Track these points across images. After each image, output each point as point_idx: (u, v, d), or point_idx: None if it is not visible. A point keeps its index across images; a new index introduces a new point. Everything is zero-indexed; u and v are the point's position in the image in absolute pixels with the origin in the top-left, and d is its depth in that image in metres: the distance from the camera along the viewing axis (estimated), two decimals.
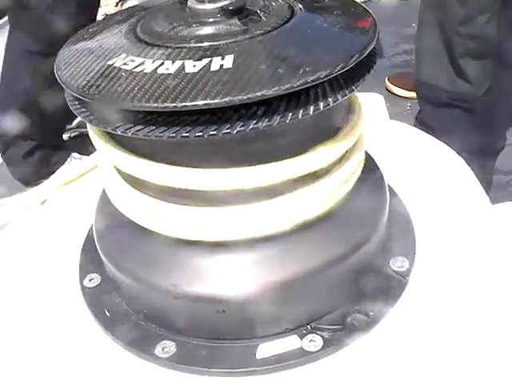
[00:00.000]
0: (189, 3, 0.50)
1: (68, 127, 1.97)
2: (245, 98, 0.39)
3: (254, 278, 0.49)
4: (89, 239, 0.63)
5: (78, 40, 0.52)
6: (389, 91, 2.45)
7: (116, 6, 3.65)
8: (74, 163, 1.99)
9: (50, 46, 1.81)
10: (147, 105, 0.40)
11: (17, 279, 0.63)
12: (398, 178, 0.66)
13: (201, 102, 0.39)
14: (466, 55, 1.53)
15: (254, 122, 0.41)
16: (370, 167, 0.57)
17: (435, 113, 1.67)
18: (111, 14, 0.58)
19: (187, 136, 0.41)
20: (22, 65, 1.84)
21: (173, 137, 0.41)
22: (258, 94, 0.39)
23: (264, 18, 0.47)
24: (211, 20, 0.47)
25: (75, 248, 0.64)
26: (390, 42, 2.88)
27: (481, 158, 1.65)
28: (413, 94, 2.08)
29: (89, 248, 0.62)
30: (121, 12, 0.58)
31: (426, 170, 0.70)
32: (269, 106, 0.41)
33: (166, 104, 0.40)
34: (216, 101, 0.39)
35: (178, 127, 0.41)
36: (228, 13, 0.47)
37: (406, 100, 2.38)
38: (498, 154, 1.70)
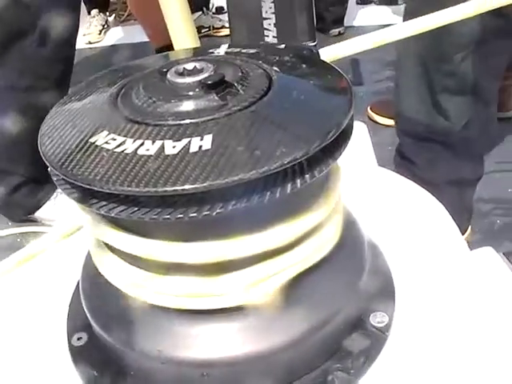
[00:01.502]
0: (168, 76, 0.51)
1: None
2: (223, 182, 0.40)
3: (235, 345, 0.50)
4: (76, 296, 0.64)
5: (60, 110, 0.53)
6: (371, 119, 2.48)
7: (99, 34, 3.68)
8: (60, 198, 2.00)
9: (35, 80, 1.83)
10: (129, 189, 0.41)
11: (5, 337, 0.64)
12: (379, 229, 0.68)
13: (179, 188, 0.40)
14: (444, 91, 1.56)
15: (233, 203, 0.42)
16: (350, 225, 0.58)
17: (414, 146, 1.70)
18: (92, 79, 0.59)
19: (168, 218, 0.42)
20: (7, 100, 1.85)
21: (155, 218, 0.42)
22: (236, 178, 0.40)
23: (242, 92, 0.48)
24: (190, 94, 0.48)
25: (64, 305, 0.65)
26: (371, 69, 2.92)
27: (460, 188, 1.68)
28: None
29: (76, 305, 0.63)
30: (102, 77, 0.58)
31: (407, 220, 0.72)
32: (247, 186, 0.42)
33: (147, 189, 0.41)
34: (195, 186, 0.40)
35: (160, 209, 0.43)
36: (206, 87, 0.48)
37: (388, 128, 2.40)
38: (477, 183, 1.72)
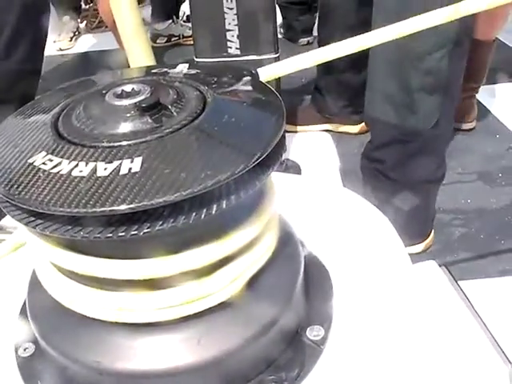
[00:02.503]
0: (106, 98, 0.53)
1: None
2: (148, 204, 0.42)
3: (172, 357, 0.52)
4: (24, 307, 0.65)
5: (5, 129, 0.55)
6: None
7: (70, 40, 3.68)
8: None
9: (4, 93, 1.83)
10: (61, 209, 0.43)
11: None
12: (323, 243, 0.70)
13: (108, 209, 0.43)
14: (420, 90, 1.59)
15: (160, 223, 0.44)
16: (286, 239, 0.60)
17: (384, 148, 1.73)
18: (39, 98, 0.61)
19: (99, 237, 0.44)
20: None
21: (86, 237, 0.44)
22: (161, 200, 0.42)
23: (175, 114, 0.50)
24: (126, 116, 0.50)
25: (14, 315, 0.66)
26: None
27: (427, 187, 1.71)
28: (358, 130, 2.14)
29: (24, 315, 0.64)
30: (48, 96, 0.60)
31: (351, 234, 0.73)
32: (174, 208, 0.44)
33: (77, 209, 0.43)
34: (122, 207, 0.42)
35: (91, 228, 0.45)
36: (141, 109, 0.50)
37: (350, 136, 2.43)
38: (441, 182, 1.76)
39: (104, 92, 0.54)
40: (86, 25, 4.11)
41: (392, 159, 1.75)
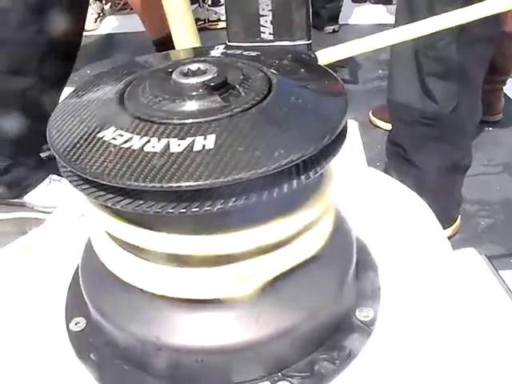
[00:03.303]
0: (173, 76, 0.53)
1: (47, 146, 1.97)
2: (224, 180, 0.43)
3: (228, 334, 0.53)
4: (74, 282, 0.66)
5: (68, 104, 0.56)
6: (372, 123, 2.50)
7: (95, 22, 3.68)
8: (53, 185, 2.00)
9: (19, 64, 1.83)
10: (135, 184, 0.44)
11: (3, 323, 0.65)
12: (367, 228, 0.70)
13: (184, 184, 0.43)
14: (432, 75, 1.62)
15: (233, 199, 0.45)
16: (340, 223, 0.61)
17: (406, 130, 1.75)
18: (98, 74, 0.61)
19: (172, 212, 0.45)
20: None
21: (159, 212, 0.45)
22: (236, 177, 0.43)
23: (243, 94, 0.51)
24: (194, 94, 0.51)
25: (62, 291, 0.67)
26: (364, 68, 2.95)
27: (451, 174, 1.72)
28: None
29: (74, 291, 0.65)
30: (107, 73, 0.61)
31: (393, 220, 0.74)
32: (247, 185, 0.45)
33: (152, 184, 0.44)
34: (198, 183, 0.43)
35: (164, 203, 0.45)
36: (210, 88, 0.50)
37: (377, 129, 2.43)
38: (466, 172, 1.76)
39: (170, 70, 0.54)
40: (110, 7, 4.11)
41: (413, 144, 1.77)
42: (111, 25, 3.96)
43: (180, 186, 0.43)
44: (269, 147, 0.45)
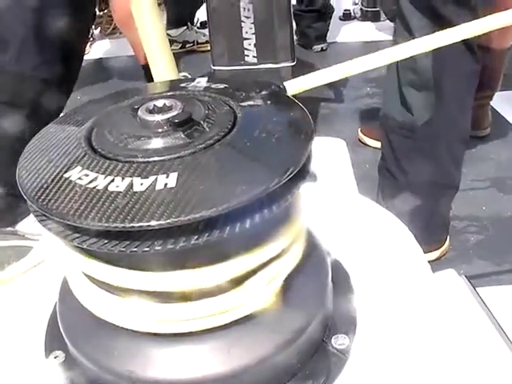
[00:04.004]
0: (139, 113, 0.54)
1: None
2: (185, 219, 0.44)
3: (203, 366, 0.54)
4: (54, 315, 0.66)
5: (38, 144, 0.56)
6: (361, 141, 2.52)
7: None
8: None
9: (13, 97, 1.84)
10: (99, 224, 0.45)
11: None
12: (345, 252, 0.71)
13: (145, 224, 0.44)
14: (409, 86, 1.67)
15: (196, 237, 0.45)
16: (313, 248, 0.62)
17: (387, 142, 1.76)
18: (70, 112, 0.62)
19: (135, 251, 0.45)
20: None
21: (123, 251, 0.46)
22: (197, 215, 0.44)
23: (207, 129, 0.52)
24: (159, 131, 0.51)
25: (42, 324, 0.67)
26: (353, 85, 2.96)
27: (432, 193, 1.72)
28: None
29: (53, 325, 0.65)
30: (79, 110, 0.61)
31: (373, 243, 0.75)
32: (208, 222, 0.45)
33: (115, 224, 0.44)
34: (159, 222, 0.44)
35: (128, 242, 0.46)
36: (174, 125, 0.51)
37: (366, 147, 2.45)
38: (453, 192, 1.76)
39: (136, 107, 0.55)
40: (100, 31, 4.13)
41: (393, 155, 1.78)
42: (101, 49, 3.98)
43: (141, 226, 0.44)
44: (231, 183, 0.46)
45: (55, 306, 0.67)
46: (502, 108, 2.70)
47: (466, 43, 1.59)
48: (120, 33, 3.68)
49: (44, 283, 0.74)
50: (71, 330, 0.60)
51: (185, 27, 3.78)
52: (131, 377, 0.54)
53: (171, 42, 3.77)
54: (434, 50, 1.55)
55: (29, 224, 2.07)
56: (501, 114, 2.68)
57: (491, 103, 2.54)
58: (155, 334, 0.54)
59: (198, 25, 3.91)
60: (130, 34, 2.99)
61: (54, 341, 0.65)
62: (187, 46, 3.81)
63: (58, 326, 0.62)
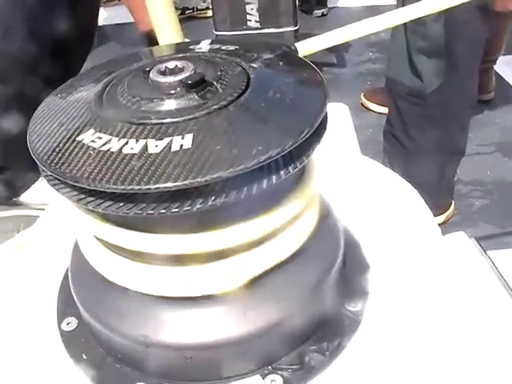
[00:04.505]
0: (151, 75, 0.53)
1: None
2: (202, 180, 0.43)
3: (217, 330, 0.53)
4: (65, 282, 0.66)
5: (48, 108, 0.55)
6: (364, 106, 2.50)
7: None
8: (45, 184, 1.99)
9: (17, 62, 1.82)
10: (114, 186, 0.44)
11: None
12: (355, 217, 0.71)
13: (162, 185, 0.43)
14: (419, 52, 1.62)
15: (213, 198, 0.45)
16: (325, 215, 0.61)
17: (395, 108, 1.75)
18: (78, 76, 0.61)
19: (152, 213, 0.45)
20: None
21: (139, 213, 0.45)
22: (214, 176, 0.43)
23: (221, 90, 0.51)
24: (172, 93, 0.51)
25: (53, 291, 0.67)
26: (354, 50, 2.94)
27: (439, 158, 1.72)
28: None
29: (65, 291, 0.65)
30: (87, 74, 0.61)
31: (382, 207, 0.74)
32: (226, 183, 0.45)
33: (131, 186, 0.44)
34: (176, 183, 0.43)
35: (145, 204, 0.45)
36: (187, 86, 0.50)
37: (369, 112, 2.43)
38: (459, 158, 1.76)
39: (147, 69, 0.54)
40: None
41: (401, 121, 1.77)
42: (100, 17, 3.93)
43: (158, 188, 0.43)
44: (247, 144, 0.45)
45: (66, 271, 0.67)
46: (506, 72, 2.68)
47: (481, 5, 1.57)
48: (118, 0, 3.64)
49: (54, 249, 0.74)
50: (83, 294, 0.60)
51: None
52: (146, 341, 0.54)
53: None
54: (446, 14, 1.54)
55: (32, 194, 2.06)
56: (504, 78, 2.66)
57: (494, 67, 2.52)
58: (168, 298, 0.54)
59: None
60: (129, 1, 2.95)
61: (66, 307, 0.65)
62: (187, 12, 3.77)
63: (70, 292, 0.62)
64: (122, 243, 0.52)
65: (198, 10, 3.76)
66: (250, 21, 1.78)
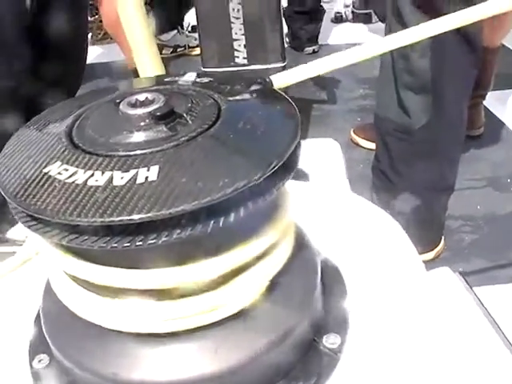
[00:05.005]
0: (120, 107, 0.52)
1: None
2: (166, 213, 0.42)
3: (189, 367, 0.52)
4: (38, 319, 0.65)
5: (18, 140, 0.55)
6: (354, 142, 2.50)
7: None
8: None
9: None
10: (78, 219, 0.43)
11: None
12: (337, 250, 0.69)
13: (126, 218, 0.42)
14: (406, 88, 1.62)
15: (178, 231, 0.44)
16: (301, 246, 0.60)
17: (382, 145, 1.74)
18: (52, 108, 0.60)
19: (116, 246, 0.44)
20: None
21: (103, 246, 0.44)
22: (179, 209, 0.42)
23: (190, 122, 0.50)
24: (140, 125, 0.50)
25: (27, 327, 0.65)
26: (346, 87, 2.96)
27: (428, 195, 1.71)
28: None
29: (38, 328, 0.64)
30: (61, 107, 0.60)
31: (365, 242, 0.73)
32: (191, 216, 0.44)
33: (94, 218, 0.43)
34: (140, 216, 0.42)
35: (109, 237, 0.44)
36: (156, 118, 0.50)
37: (360, 148, 2.43)
38: (448, 194, 1.75)
39: (118, 101, 0.54)
40: (91, 37, 4.12)
41: (388, 158, 1.76)
42: (93, 55, 3.96)
43: (121, 220, 0.43)
44: (213, 176, 0.45)
45: (39, 309, 0.65)
46: (495, 107, 2.70)
47: (469, 40, 1.57)
48: (110, 38, 3.66)
49: (29, 285, 0.72)
50: (54, 331, 0.59)
51: (175, 31, 3.77)
52: (116, 379, 0.53)
53: (162, 46, 3.76)
54: (433, 49, 1.53)
55: (18, 231, 2.05)
56: (493, 114, 2.67)
57: (484, 103, 2.53)
58: (139, 334, 0.52)
59: (190, 29, 3.90)
60: (120, 39, 2.97)
61: (38, 344, 0.63)
62: (178, 50, 3.80)
63: (42, 330, 0.60)
64: (88, 278, 0.51)
65: (189, 47, 3.78)
66: (237, 57, 1.79)
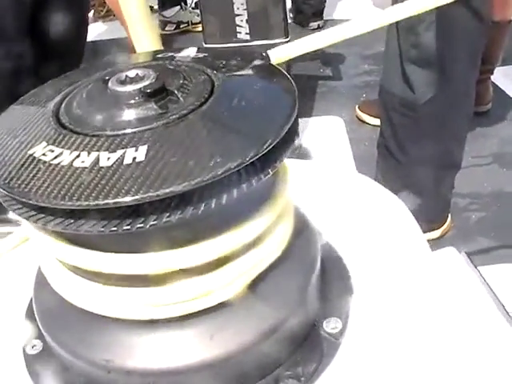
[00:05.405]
0: (109, 84, 0.50)
1: None
2: (154, 195, 0.40)
3: (183, 354, 0.50)
4: (31, 306, 0.63)
5: (5, 120, 0.53)
6: (359, 119, 2.47)
7: None
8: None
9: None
10: (62, 202, 0.41)
11: None
12: (340, 232, 0.67)
13: (111, 201, 0.40)
14: (411, 62, 1.58)
15: (167, 215, 0.42)
16: (301, 228, 0.58)
17: (387, 119, 1.71)
18: (40, 87, 0.58)
19: (102, 231, 0.42)
20: None
21: (90, 231, 0.42)
22: (167, 190, 0.40)
23: (182, 99, 0.48)
24: (130, 103, 0.48)
25: (19, 314, 0.64)
26: (350, 63, 2.93)
27: (434, 171, 1.68)
28: None
29: (31, 314, 0.62)
30: (50, 85, 0.58)
31: (369, 223, 0.71)
32: (181, 198, 0.42)
33: (79, 202, 0.41)
34: (126, 199, 0.40)
35: (95, 221, 0.42)
36: (146, 95, 0.47)
37: (365, 125, 2.40)
38: (455, 172, 1.72)
39: (107, 78, 0.51)
40: (93, 14, 4.09)
41: (392, 133, 1.74)
42: (95, 32, 3.93)
43: (107, 204, 0.40)
44: (205, 156, 0.42)
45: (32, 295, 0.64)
46: (503, 83, 2.66)
47: (476, 13, 1.54)
48: (113, 15, 3.63)
49: (23, 269, 0.70)
50: (46, 317, 0.57)
51: (178, 7, 3.74)
52: (107, 366, 0.51)
53: (165, 23, 3.73)
54: (439, 23, 1.50)
55: None
56: (502, 89, 2.64)
57: (491, 78, 2.50)
58: (132, 321, 0.50)
59: (193, 5, 3.86)
60: (123, 16, 2.94)
61: (31, 330, 0.62)
62: (181, 26, 3.76)
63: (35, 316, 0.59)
64: (78, 263, 0.49)
65: (192, 23, 3.75)
66: (239, 33, 1.76)
